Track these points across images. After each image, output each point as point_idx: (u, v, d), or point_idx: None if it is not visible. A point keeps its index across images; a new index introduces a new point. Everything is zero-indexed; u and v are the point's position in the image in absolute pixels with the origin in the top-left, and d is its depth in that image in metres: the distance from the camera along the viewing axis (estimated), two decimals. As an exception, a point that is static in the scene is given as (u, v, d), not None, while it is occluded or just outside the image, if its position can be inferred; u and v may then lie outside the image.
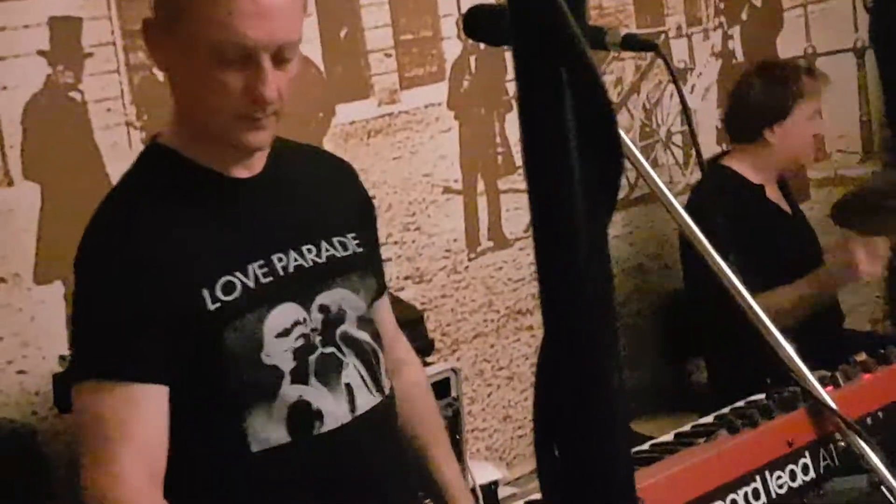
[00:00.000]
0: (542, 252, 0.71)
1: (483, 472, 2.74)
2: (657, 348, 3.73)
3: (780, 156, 3.27)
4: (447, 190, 3.29)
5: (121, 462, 1.58)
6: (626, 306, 3.68)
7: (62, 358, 2.43)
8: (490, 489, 2.73)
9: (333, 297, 1.74)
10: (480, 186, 3.37)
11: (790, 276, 3.15)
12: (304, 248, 1.74)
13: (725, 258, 1.69)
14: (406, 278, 3.18)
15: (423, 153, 3.25)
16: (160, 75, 2.65)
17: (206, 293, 1.63)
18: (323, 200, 1.82)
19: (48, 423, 2.53)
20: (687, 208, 3.19)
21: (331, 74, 3.06)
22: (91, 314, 1.66)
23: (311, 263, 1.73)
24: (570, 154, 0.68)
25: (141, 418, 1.60)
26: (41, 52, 2.58)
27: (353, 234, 1.81)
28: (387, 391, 1.80)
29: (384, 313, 1.92)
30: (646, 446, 1.68)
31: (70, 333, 1.69)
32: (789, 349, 1.62)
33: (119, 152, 2.64)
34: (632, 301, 3.71)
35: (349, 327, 1.75)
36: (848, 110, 4.29)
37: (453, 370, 2.66)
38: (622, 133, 1.71)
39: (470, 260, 3.35)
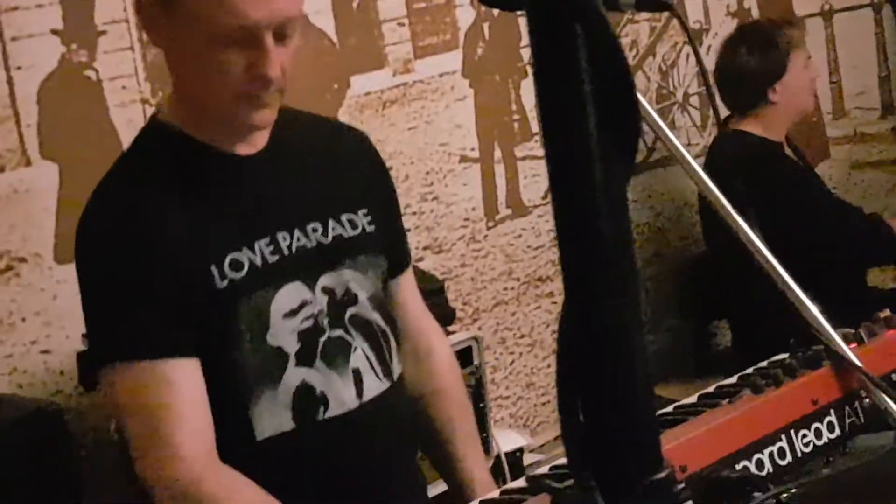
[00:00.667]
0: (562, 216, 0.70)
1: (507, 440, 2.74)
2: (678, 311, 3.72)
3: (787, 111, 3.26)
4: (464, 159, 3.29)
5: (176, 442, 1.57)
6: (646, 270, 3.67)
7: (86, 336, 2.44)
8: (515, 456, 2.74)
9: (338, 279, 1.70)
10: (497, 154, 3.36)
11: (811, 233, 3.14)
12: (308, 228, 1.70)
13: (745, 217, 1.69)
14: (425, 248, 3.18)
15: (438, 122, 3.24)
16: (173, 51, 2.65)
17: (214, 270, 1.61)
18: (332, 175, 1.77)
19: (74, 401, 2.55)
20: (705, 171, 3.18)
21: (344, 46, 3.05)
22: (109, 293, 1.64)
23: (317, 243, 1.69)
24: (586, 116, 0.68)
25: (182, 394, 1.58)
26: (55, 31, 2.58)
27: (364, 211, 1.76)
28: (395, 377, 1.77)
29: (406, 293, 1.88)
30: (669, 409, 1.67)
31: (86, 317, 1.68)
32: (812, 307, 1.61)
33: (135, 129, 2.61)
34: (651, 265, 3.70)
35: (361, 309, 1.72)
36: (866, 66, 4.25)
37: (475, 339, 2.66)
38: (639, 95, 1.70)
39: (488, 228, 3.34)
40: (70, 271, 2.57)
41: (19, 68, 2.53)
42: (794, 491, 1.64)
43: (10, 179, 2.53)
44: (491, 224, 3.35)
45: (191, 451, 1.57)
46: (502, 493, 1.49)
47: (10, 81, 2.52)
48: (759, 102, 3.24)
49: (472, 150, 3.31)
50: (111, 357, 1.63)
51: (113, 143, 2.63)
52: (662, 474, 0.73)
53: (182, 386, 1.59)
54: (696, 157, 2.94)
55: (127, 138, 2.62)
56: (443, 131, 3.25)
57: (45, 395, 2.51)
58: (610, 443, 0.72)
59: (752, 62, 3.22)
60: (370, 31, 3.10)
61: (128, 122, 2.66)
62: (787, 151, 3.34)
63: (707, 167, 3.23)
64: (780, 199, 3.04)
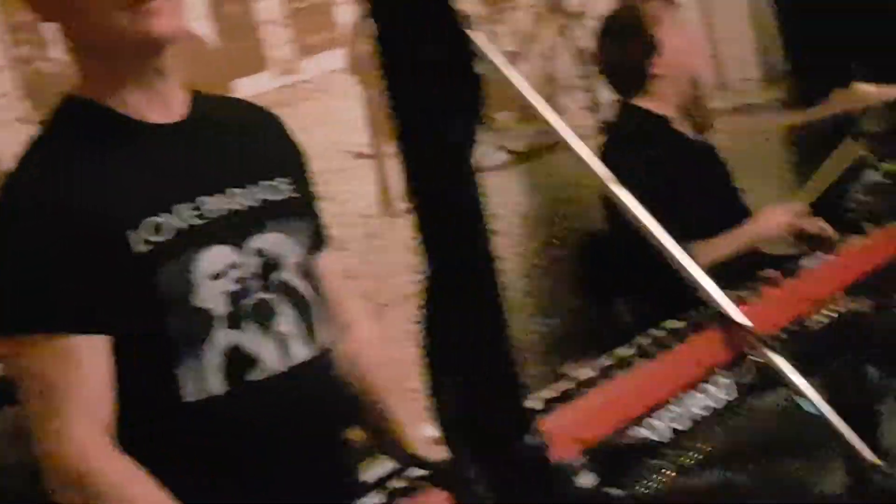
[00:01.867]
0: (414, 190, 0.71)
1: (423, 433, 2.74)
2: (581, 292, 3.75)
3: (674, 79, 3.30)
4: (357, 155, 3.28)
5: (66, 418, 1.55)
6: (544, 254, 3.69)
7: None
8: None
9: (268, 240, 1.71)
10: (390, 149, 3.35)
11: (707, 205, 3.20)
12: (234, 191, 1.70)
13: (635, 191, 1.72)
14: (325, 248, 3.17)
15: (329, 121, 3.23)
16: (48, 66, 2.60)
17: (131, 235, 1.60)
18: (252, 145, 1.79)
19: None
20: (602, 152, 3.22)
21: (225, 50, 3.02)
22: (15, 264, 1.61)
23: (242, 206, 1.70)
24: (428, 87, 0.68)
25: (82, 371, 1.57)
26: (-76, 54, 2.52)
27: (286, 179, 1.77)
28: (324, 345, 1.77)
29: (329, 268, 1.88)
30: (569, 384, 1.69)
31: None
32: (699, 272, 1.64)
33: (14, 149, 2.58)
34: (549, 248, 3.73)
35: (287, 274, 1.72)
36: (744, 38, 4.33)
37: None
38: (520, 78, 1.71)
39: (386, 223, 3.34)
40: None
41: None
42: (692, 454, 1.68)
43: None
44: (388, 219, 3.34)
45: (86, 434, 1.56)
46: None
47: None
48: (644, 80, 3.28)
49: (365, 146, 3.30)
50: (14, 328, 1.61)
51: (-7, 164, 2.57)
52: (535, 441, 0.73)
53: (85, 365, 1.58)
54: (585, 139, 2.95)
55: (8, 158, 2.57)
56: (334, 129, 3.24)
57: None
58: (478, 414, 0.73)
59: (624, 48, 3.26)
60: (251, 34, 3.07)
61: (6, 143, 2.60)
62: (679, 126, 3.38)
63: (604, 145, 3.28)
64: (669, 173, 3.10)
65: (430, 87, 0.66)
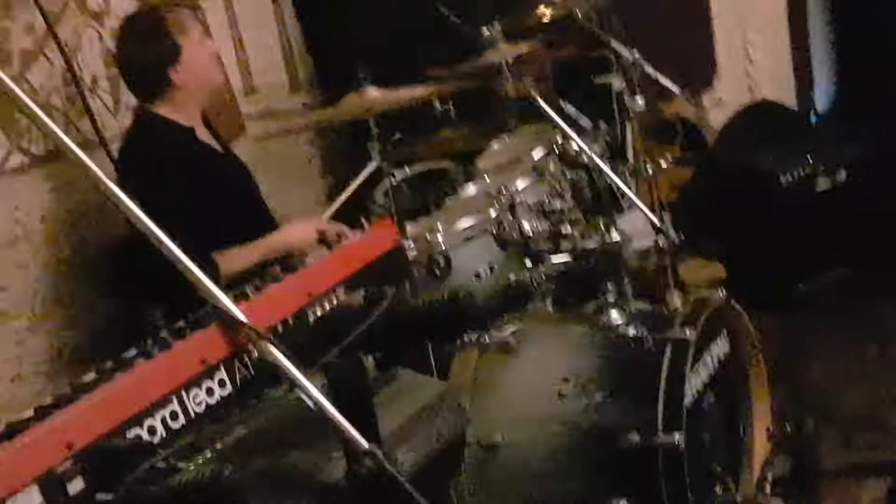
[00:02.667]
0: None
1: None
2: (116, 293, 3.63)
3: (195, 90, 3.30)
4: None
5: None
6: (77, 256, 3.55)
7: None
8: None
9: None
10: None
11: (229, 214, 3.23)
12: None
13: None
14: None
15: None
16: None
17: None
18: None
19: None
20: (120, 158, 3.15)
21: None
22: None
23: None
24: None
25: None
26: None
27: None
28: None
29: None
30: (67, 389, 1.64)
31: None
32: (195, 269, 1.64)
33: None
34: (81, 251, 3.59)
35: None
36: (270, 44, 4.40)
37: None
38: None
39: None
40: None
41: None
42: (191, 452, 1.68)
43: None
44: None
45: None
46: None
47: None
48: (164, 87, 3.25)
49: None
50: None
51: None
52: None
53: None
54: (110, 140, 2.87)
55: None
56: None
57: None
58: None
59: (144, 52, 3.21)
60: None
61: None
62: (201, 135, 3.38)
63: (122, 151, 3.20)
64: (191, 183, 3.10)
65: None
